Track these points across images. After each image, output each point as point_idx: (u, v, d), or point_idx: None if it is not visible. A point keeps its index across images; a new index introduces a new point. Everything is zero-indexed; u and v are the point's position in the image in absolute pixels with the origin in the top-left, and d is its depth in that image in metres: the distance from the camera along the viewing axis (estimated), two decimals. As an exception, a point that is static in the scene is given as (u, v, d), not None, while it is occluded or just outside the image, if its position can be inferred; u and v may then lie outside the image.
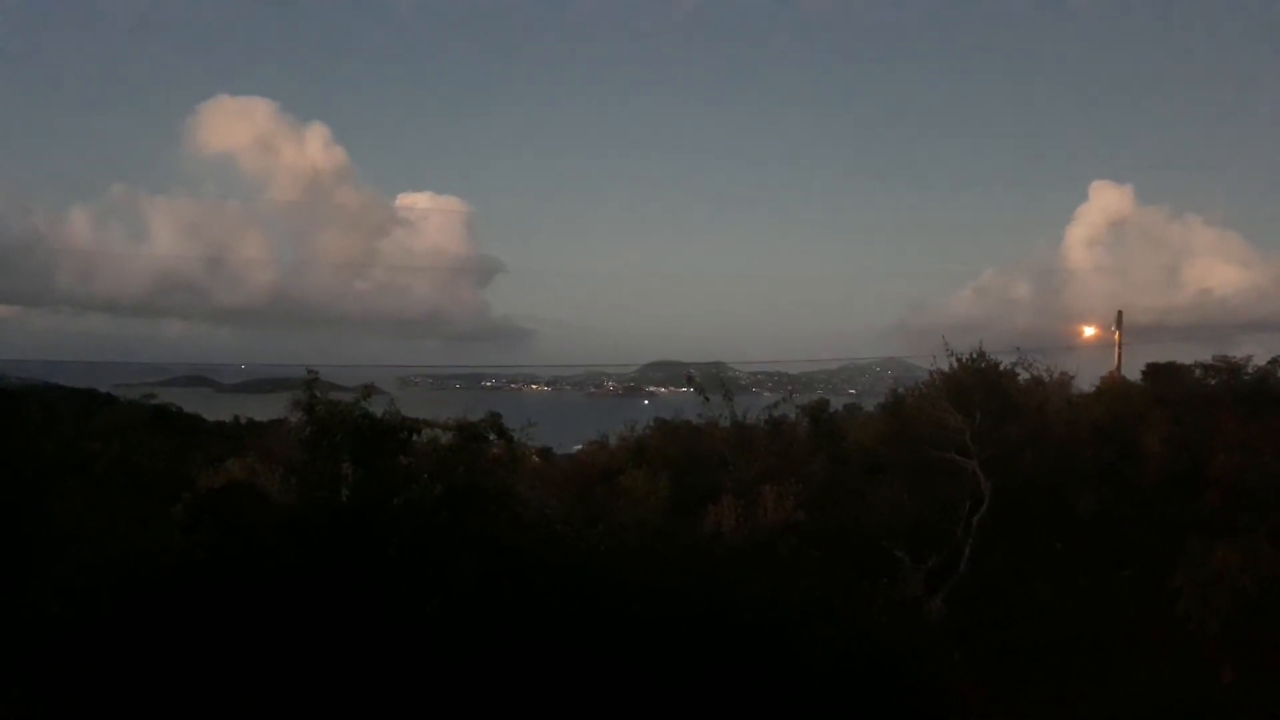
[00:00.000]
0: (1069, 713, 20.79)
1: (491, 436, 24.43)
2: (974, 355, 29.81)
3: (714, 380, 39.33)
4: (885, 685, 19.40)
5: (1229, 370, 37.48)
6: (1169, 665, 21.28)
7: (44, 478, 21.25)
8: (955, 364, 29.75)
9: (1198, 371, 38.69)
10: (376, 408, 22.29)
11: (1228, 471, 28.66)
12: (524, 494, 25.99)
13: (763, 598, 20.80)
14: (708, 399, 33.85)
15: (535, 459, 36.53)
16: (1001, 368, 30.66)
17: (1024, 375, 32.05)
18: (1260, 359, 37.41)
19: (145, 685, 14.39)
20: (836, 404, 42.35)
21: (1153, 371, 40.61)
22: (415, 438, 22.82)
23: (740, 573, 22.45)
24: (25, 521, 18.01)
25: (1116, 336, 54.53)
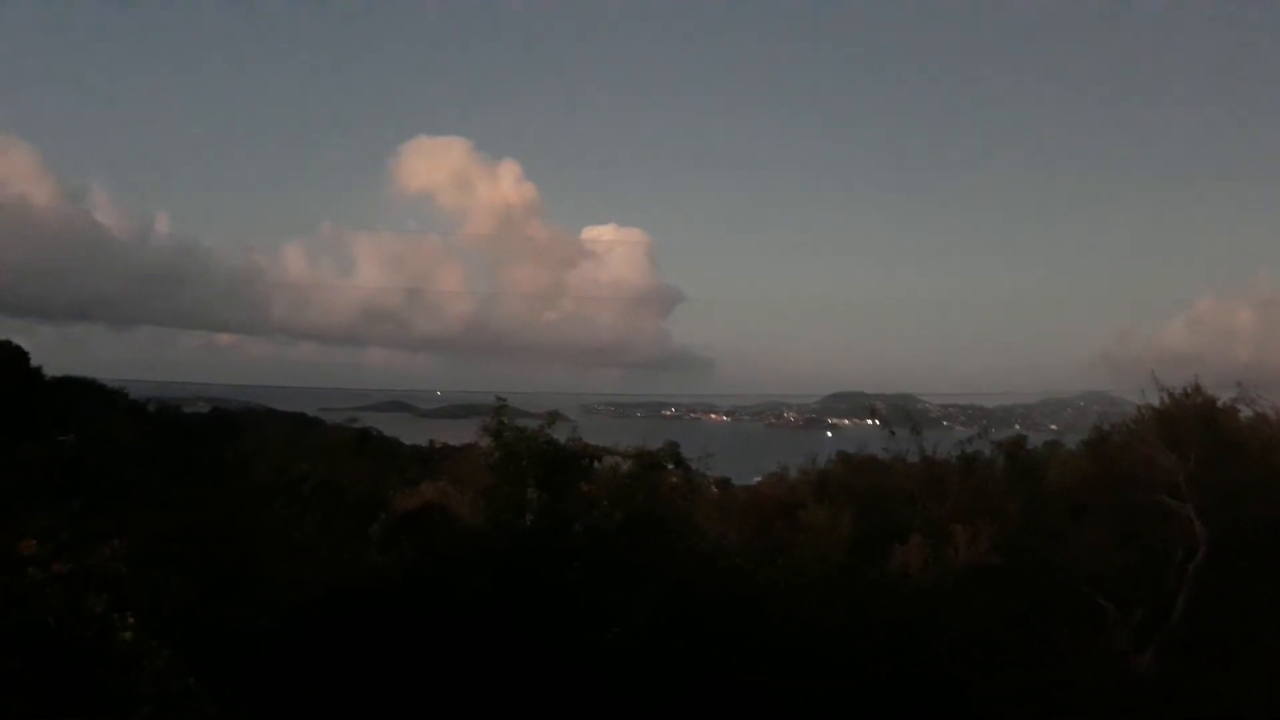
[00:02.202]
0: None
1: (670, 465, 24.54)
2: (1188, 390, 27.40)
3: (901, 413, 38.04)
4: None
5: None
6: None
7: (257, 497, 22.95)
8: (1167, 399, 27.41)
9: None
10: (560, 434, 22.86)
11: None
12: (702, 525, 25.88)
13: (953, 644, 19.75)
14: (894, 433, 32.67)
15: (713, 489, 36.39)
16: (1220, 404, 28.02)
17: (1246, 412, 29.16)
18: None
19: (341, 695, 15.11)
20: (1036, 440, 40.05)
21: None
22: (596, 465, 23.23)
23: (929, 616, 21.43)
24: (240, 539, 19.43)
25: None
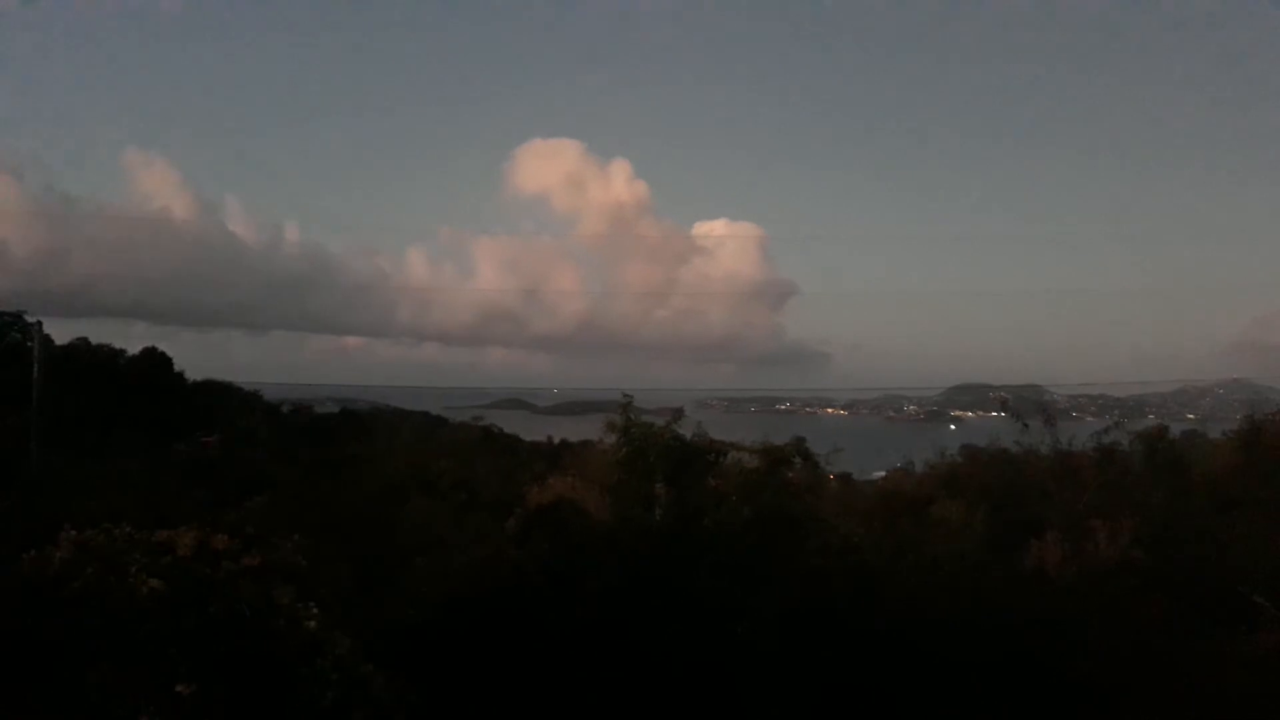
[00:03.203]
0: None
1: (796, 460, 24.44)
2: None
3: (1028, 404, 36.87)
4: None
5: None
6: None
7: (395, 494, 23.87)
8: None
9: None
10: (685, 430, 23.04)
11: None
12: (829, 521, 25.70)
13: (1095, 644, 19.10)
14: (1026, 425, 31.70)
15: (834, 484, 36.00)
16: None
17: None
18: None
19: (492, 683, 15.65)
20: (1174, 430, 38.30)
21: None
22: (721, 460, 23.34)
23: (1068, 615, 20.77)
24: (383, 534, 20.26)
25: None
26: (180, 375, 58.30)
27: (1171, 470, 30.36)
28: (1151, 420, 41.04)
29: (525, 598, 17.67)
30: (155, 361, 57.02)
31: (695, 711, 16.88)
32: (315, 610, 8.75)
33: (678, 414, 23.26)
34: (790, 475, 24.25)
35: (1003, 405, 34.95)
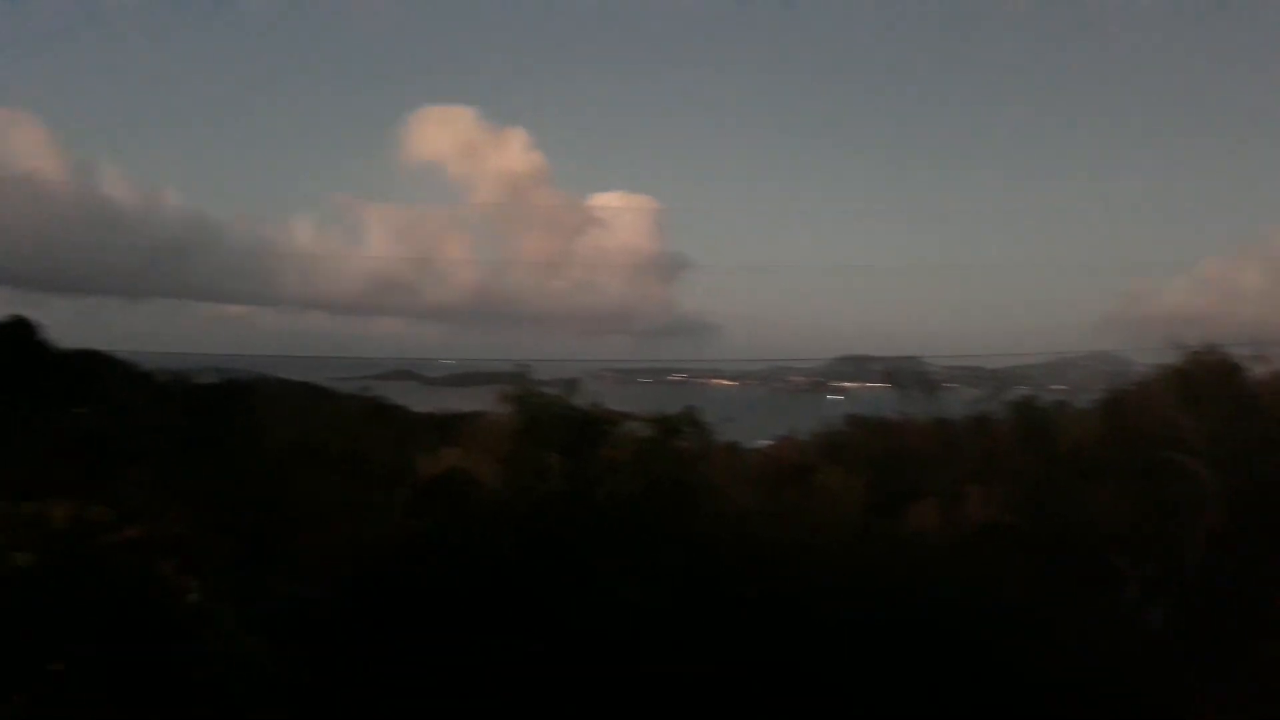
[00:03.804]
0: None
1: (687, 430, 24.77)
2: (1204, 348, 27.45)
3: (908, 375, 38.13)
4: (1103, 697, 18.30)
5: None
6: None
7: (280, 466, 23.17)
8: (1183, 358, 27.48)
9: None
10: (580, 401, 23.08)
11: None
12: (719, 488, 26.15)
13: (968, 603, 20.04)
14: (908, 395, 32.83)
15: (723, 453, 36.53)
16: (1234, 362, 28.08)
17: (1261, 370, 29.22)
18: None
19: (383, 656, 15.46)
20: (1044, 400, 40.14)
21: None
22: (615, 430, 23.48)
23: (943, 576, 21.72)
24: (268, 507, 19.69)
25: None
26: (50, 344, 55.15)
27: (1040, 438, 31.84)
28: (1023, 391, 42.89)
29: (417, 569, 17.50)
30: (22, 329, 53.84)
31: (591, 675, 17.04)
32: (197, 584, 8.50)
33: (572, 384, 23.27)
34: (682, 445, 24.57)
35: (884, 376, 36.08)
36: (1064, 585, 22.41)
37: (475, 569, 17.73)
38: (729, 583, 19.25)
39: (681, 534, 20.80)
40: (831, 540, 23.38)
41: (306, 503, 20.71)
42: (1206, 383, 26.57)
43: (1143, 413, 28.56)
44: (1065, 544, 24.95)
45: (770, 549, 21.73)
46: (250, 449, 24.81)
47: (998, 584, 21.71)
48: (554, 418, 21.49)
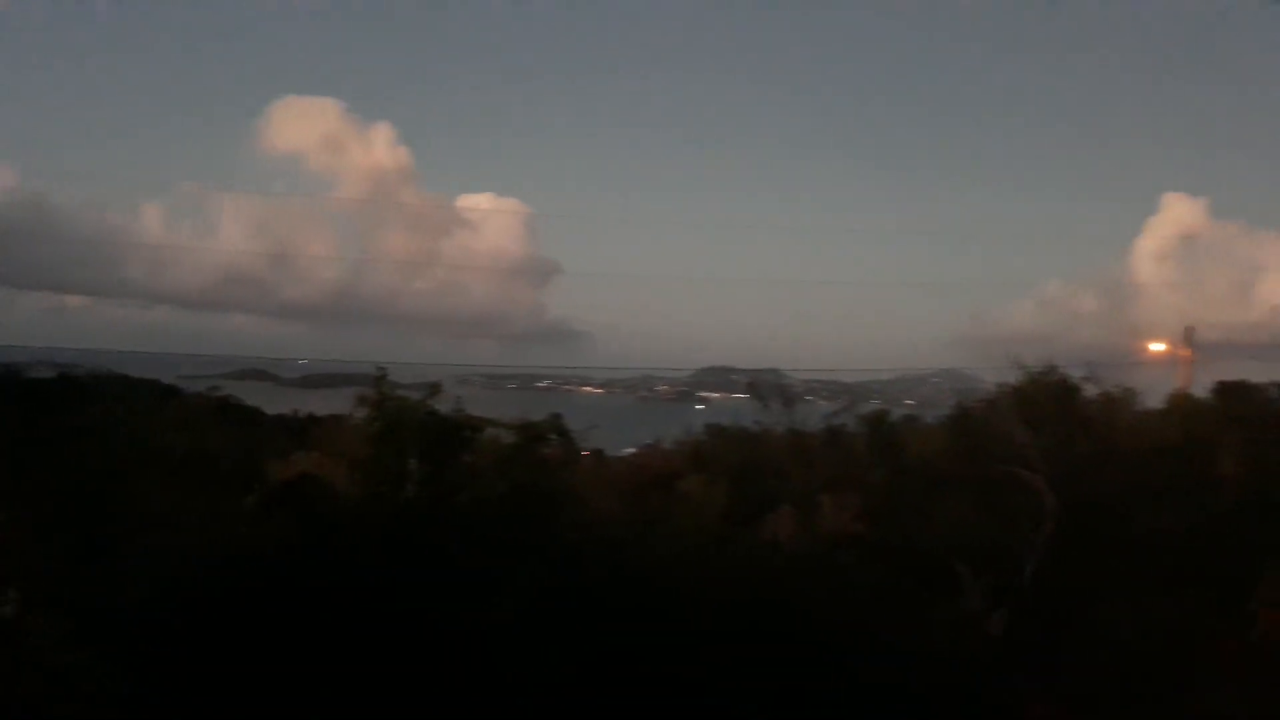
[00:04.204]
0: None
1: (552, 437, 24.63)
2: (1042, 369, 29.17)
3: (768, 387, 39.10)
4: (944, 701, 19.09)
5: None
6: (1241, 688, 20.61)
7: (120, 468, 21.79)
8: (1022, 377, 29.13)
9: (1272, 391, 37.46)
10: (442, 406, 22.60)
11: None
12: (582, 496, 26.11)
13: (820, 609, 20.59)
14: (768, 406, 33.63)
15: (588, 460, 36.59)
16: (1069, 382, 29.93)
17: (1092, 390, 31.27)
18: None
19: (222, 666, 14.69)
20: (895, 415, 41.83)
21: (1224, 390, 39.39)
22: (478, 436, 23.10)
23: (798, 584, 22.27)
24: (106, 511, 18.46)
25: (1184, 354, 53.11)
26: None
27: (890, 451, 33.20)
28: (876, 405, 44.61)
29: (261, 578, 16.71)
30: None
31: (450, 685, 16.67)
32: (14, 595, 7.83)
33: (434, 388, 22.74)
34: (546, 452, 24.42)
35: (746, 387, 36.93)
36: (911, 593, 23.27)
37: (324, 578, 17.08)
38: (589, 590, 19.17)
39: (543, 541, 20.62)
40: (690, 547, 23.66)
41: (144, 507, 19.54)
42: (1044, 402, 28.19)
43: (986, 428, 30.07)
44: (913, 553, 25.99)
45: (631, 556, 21.80)
46: (85, 449, 23.26)
47: (848, 591, 22.38)
48: (413, 422, 20.95)
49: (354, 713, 16.07)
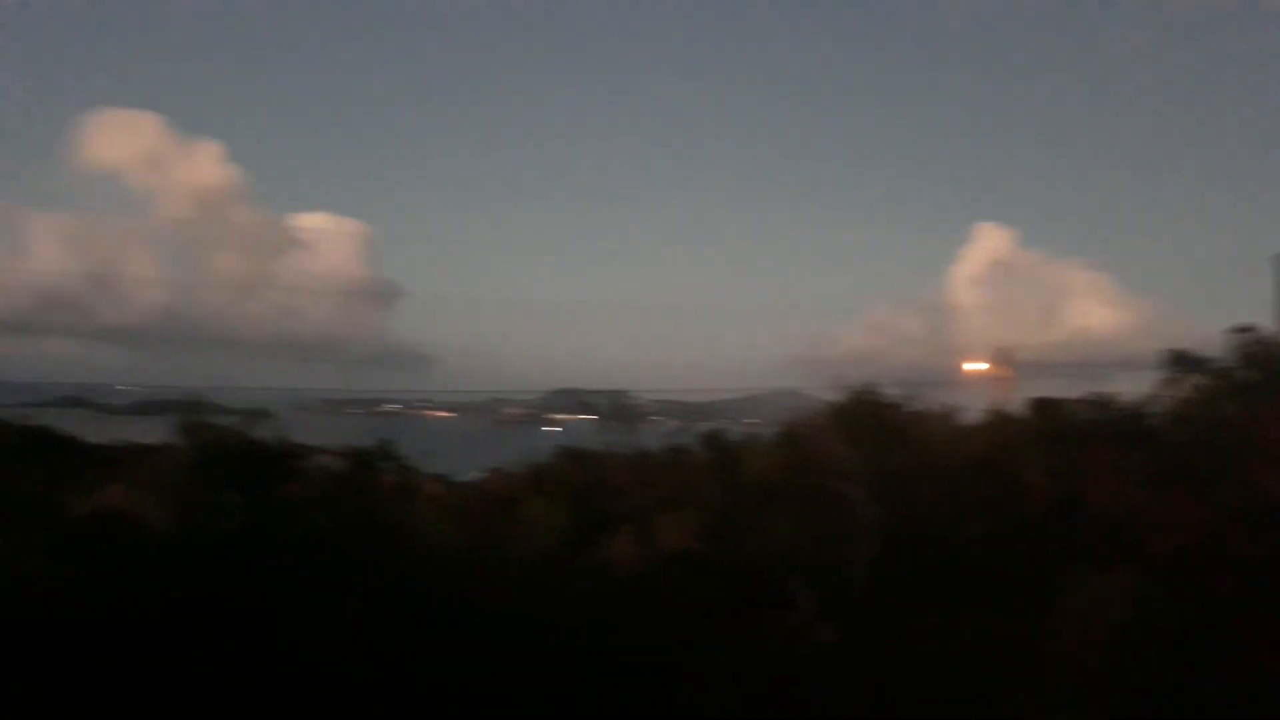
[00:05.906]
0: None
1: (384, 464, 24.03)
2: (861, 388, 30.52)
3: (615, 409, 39.40)
4: (775, 713, 19.57)
5: (1102, 405, 39.07)
6: (1050, 697, 21.86)
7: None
8: (844, 395, 30.39)
9: (1075, 406, 40.22)
10: (264, 433, 21.73)
11: (1103, 502, 29.79)
12: (418, 524, 25.56)
13: (657, 627, 20.80)
14: (612, 427, 33.91)
15: (432, 487, 35.91)
16: (888, 400, 31.40)
17: (910, 408, 32.85)
18: (1130, 394, 39.09)
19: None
20: (736, 433, 42.79)
21: (1035, 405, 42.04)
22: (303, 464, 22.32)
23: (633, 602, 22.45)
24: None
25: (999, 371, 56.61)
26: None
27: (727, 469, 33.91)
28: (718, 424, 45.54)
29: (54, 621, 15.59)
30: None
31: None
32: None
33: (255, 415, 21.87)
34: (381, 479, 23.83)
35: (591, 408, 37.13)
36: (744, 608, 23.77)
37: (126, 621, 16.08)
38: (415, 620, 18.76)
39: (373, 573, 20.07)
40: (526, 571, 23.53)
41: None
42: (864, 419, 29.47)
43: (812, 445, 31.16)
44: (746, 569, 26.59)
45: (462, 583, 21.48)
46: None
47: (683, 608, 22.68)
48: (229, 451, 20.06)
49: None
